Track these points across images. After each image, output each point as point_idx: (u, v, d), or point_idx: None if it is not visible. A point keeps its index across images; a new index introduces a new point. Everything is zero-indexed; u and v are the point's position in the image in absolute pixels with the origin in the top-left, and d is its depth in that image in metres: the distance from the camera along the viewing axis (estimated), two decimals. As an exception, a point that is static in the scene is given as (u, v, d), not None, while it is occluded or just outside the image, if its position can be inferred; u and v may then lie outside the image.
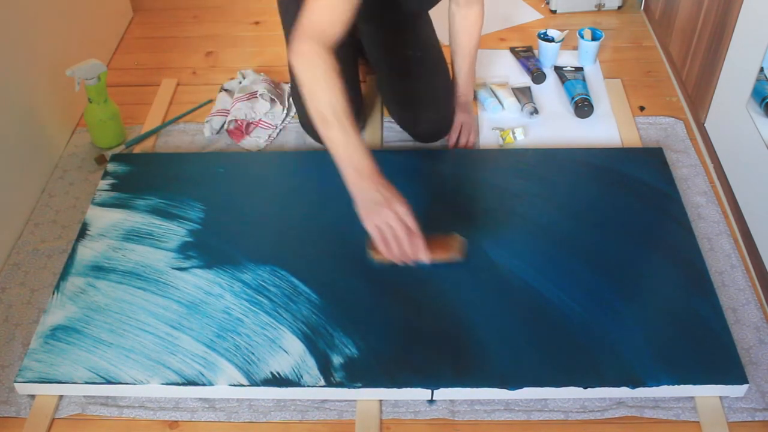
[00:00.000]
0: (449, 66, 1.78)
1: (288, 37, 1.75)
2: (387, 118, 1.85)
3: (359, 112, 1.79)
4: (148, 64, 2.11)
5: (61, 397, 1.30)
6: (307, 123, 1.75)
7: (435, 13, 1.76)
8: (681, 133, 1.80)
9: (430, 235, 1.25)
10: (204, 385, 1.26)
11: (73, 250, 1.49)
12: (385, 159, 1.68)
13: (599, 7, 2.29)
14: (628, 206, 1.55)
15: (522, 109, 1.86)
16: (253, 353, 1.30)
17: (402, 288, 1.39)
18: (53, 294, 1.41)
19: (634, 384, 1.24)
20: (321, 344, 1.31)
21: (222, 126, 1.84)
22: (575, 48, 2.06)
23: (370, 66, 1.92)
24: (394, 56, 1.75)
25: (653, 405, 1.26)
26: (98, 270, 1.45)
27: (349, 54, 1.78)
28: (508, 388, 1.25)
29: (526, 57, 2.03)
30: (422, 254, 1.24)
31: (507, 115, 1.86)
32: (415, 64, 1.73)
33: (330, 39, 1.27)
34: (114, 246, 1.50)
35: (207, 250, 1.48)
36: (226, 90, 1.92)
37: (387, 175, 1.61)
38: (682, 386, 1.25)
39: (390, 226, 1.21)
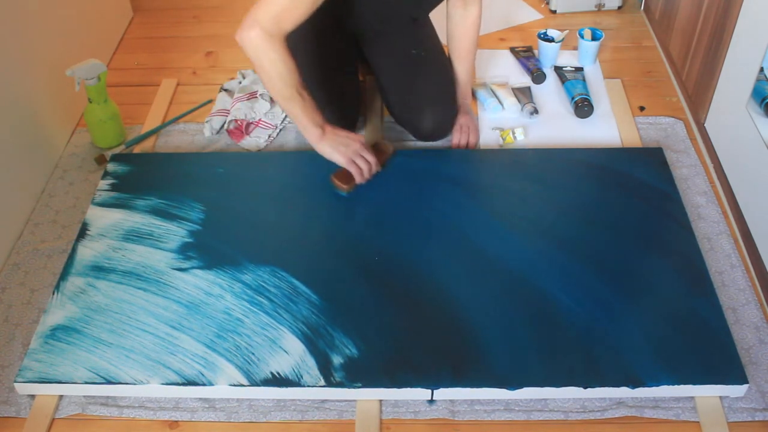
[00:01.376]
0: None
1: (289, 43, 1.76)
2: (387, 117, 1.84)
3: (358, 111, 1.79)
4: (148, 64, 2.11)
5: (61, 397, 1.30)
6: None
7: (434, 14, 1.76)
8: (681, 133, 1.80)
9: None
10: (204, 385, 1.26)
11: (73, 250, 1.49)
12: (385, 159, 1.70)
13: (599, 7, 2.29)
14: (628, 206, 1.55)
15: (522, 109, 1.86)
16: (253, 353, 1.30)
17: (402, 288, 1.39)
18: (53, 294, 1.41)
19: (634, 384, 1.24)
20: (321, 344, 1.31)
21: (222, 126, 1.84)
22: (575, 48, 2.06)
23: (368, 67, 1.91)
24: (396, 56, 1.74)
25: (653, 405, 1.26)
26: (98, 270, 1.45)
27: (350, 55, 1.79)
28: (508, 388, 1.25)
29: (526, 57, 2.03)
30: (378, 167, 1.59)
31: (507, 115, 1.86)
32: (418, 63, 1.72)
33: (282, 33, 1.39)
34: (114, 246, 1.50)
35: (207, 250, 1.48)
36: (226, 90, 1.92)
37: (387, 174, 1.62)
38: (682, 386, 1.25)
39: (361, 156, 1.54)
